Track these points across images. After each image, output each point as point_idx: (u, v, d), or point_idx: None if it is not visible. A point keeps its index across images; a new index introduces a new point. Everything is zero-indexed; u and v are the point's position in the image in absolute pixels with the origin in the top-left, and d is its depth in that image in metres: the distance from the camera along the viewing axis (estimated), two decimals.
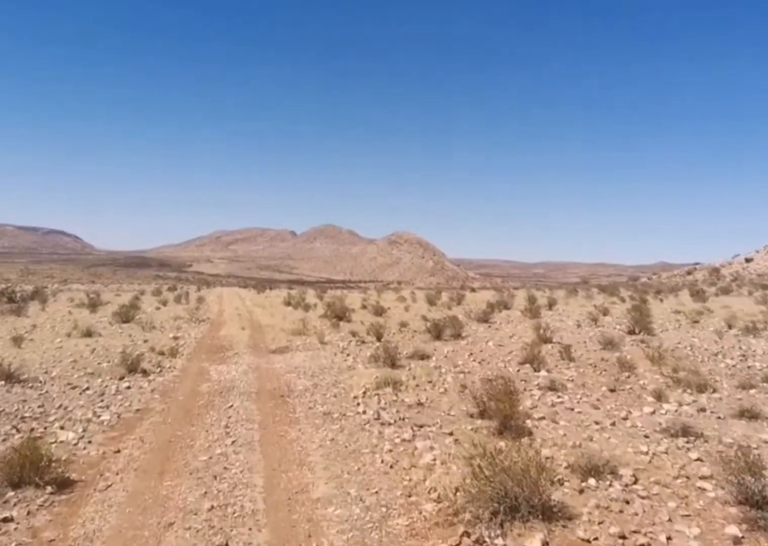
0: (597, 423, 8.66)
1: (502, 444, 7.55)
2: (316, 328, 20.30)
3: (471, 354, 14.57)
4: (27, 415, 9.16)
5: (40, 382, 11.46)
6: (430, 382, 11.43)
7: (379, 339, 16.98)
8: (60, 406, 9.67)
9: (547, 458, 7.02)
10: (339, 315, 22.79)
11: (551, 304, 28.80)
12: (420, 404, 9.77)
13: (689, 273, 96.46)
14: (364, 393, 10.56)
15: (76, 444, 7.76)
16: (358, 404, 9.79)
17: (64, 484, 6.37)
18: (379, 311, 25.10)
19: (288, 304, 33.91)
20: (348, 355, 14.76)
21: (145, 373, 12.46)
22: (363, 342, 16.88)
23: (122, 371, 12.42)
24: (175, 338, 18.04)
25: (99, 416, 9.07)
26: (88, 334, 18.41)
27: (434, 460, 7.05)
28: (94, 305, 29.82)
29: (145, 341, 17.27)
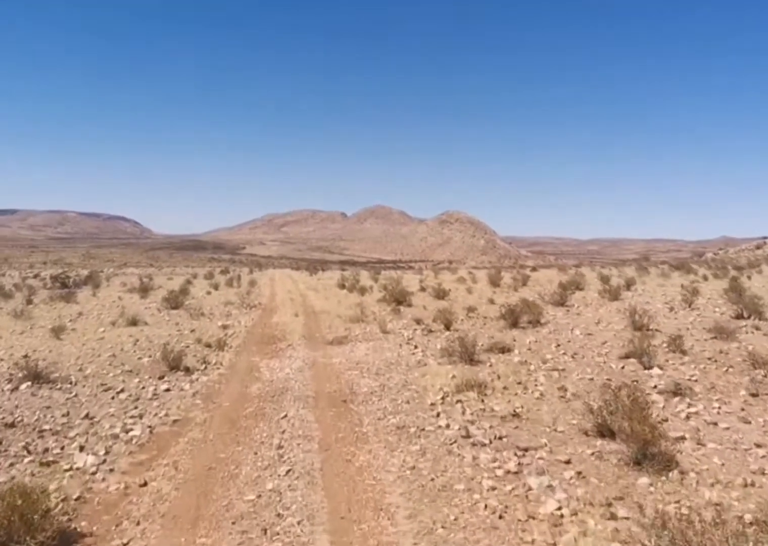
0: (758, 445, 6.58)
1: (645, 481, 5.60)
2: (376, 315, 18.55)
3: (558, 345, 12.51)
4: (47, 427, 7.69)
5: (71, 382, 10.04)
6: (519, 383, 9.48)
7: (447, 327, 15.08)
8: (86, 415, 8.16)
9: (714, 506, 5.05)
10: (399, 299, 20.97)
11: (629, 284, 26.24)
12: (515, 415, 7.84)
13: (758, 247, 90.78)
14: (443, 398, 8.71)
15: (94, 473, 6.17)
16: (438, 415, 7.95)
17: (66, 541, 4.77)
18: (441, 294, 23.15)
19: (342, 286, 32.31)
20: (415, 347, 12.91)
21: (187, 370, 10.92)
22: (430, 331, 14.99)
23: (163, 369, 10.93)
24: (224, 327, 16.57)
25: (128, 431, 7.50)
26: (134, 322, 17.15)
27: (559, 508, 5.14)
28: (144, 290, 28.88)
29: (192, 331, 15.86)
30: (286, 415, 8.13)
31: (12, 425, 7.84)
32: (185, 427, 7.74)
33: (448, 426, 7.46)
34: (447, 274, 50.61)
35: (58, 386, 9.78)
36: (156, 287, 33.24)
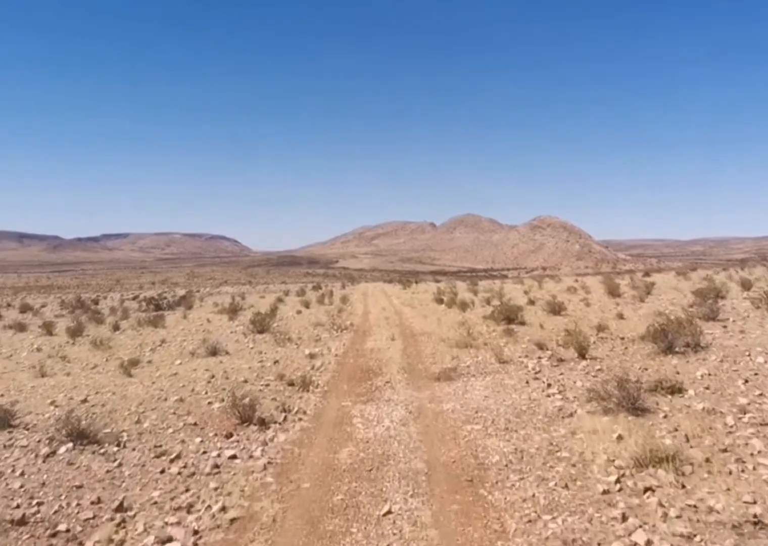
0: None
1: None
2: (485, 337, 15.74)
3: (746, 381, 9.21)
4: (63, 527, 5.53)
5: (119, 443, 7.94)
6: (724, 450, 6.42)
7: (582, 355, 12.03)
8: (121, 503, 5.95)
9: None
10: (509, 316, 18.03)
11: None
12: (757, 523, 4.87)
13: None
14: (619, 480, 5.82)
15: None
16: (624, 517, 5.09)
17: None
18: (556, 308, 19.97)
19: (440, 301, 29.62)
20: (548, 385, 9.98)
21: (263, 424, 8.59)
22: (560, 360, 11.97)
23: (233, 420, 8.68)
24: (311, 356, 14.29)
25: (166, 541, 5.18)
26: (214, 352, 15.25)
27: None
28: (234, 311, 27.46)
29: (276, 362, 13.67)
30: (389, 512, 5.53)
31: (22, 522, 5.73)
32: (245, 534, 5.31)
33: (649, 544, 4.62)
34: (550, 282, 46.76)
35: (103, 449, 7.69)
36: (247, 307, 31.91)
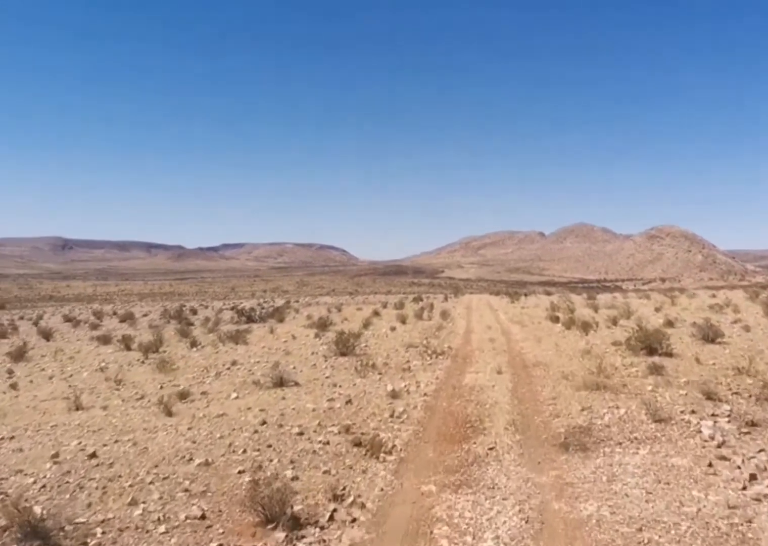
0: None
1: None
2: (621, 373, 12.00)
3: None
4: None
5: None
6: None
7: None
8: None
9: None
10: (650, 344, 14.06)
11: None
12: None
13: None
14: None
15: None
16: None
17: None
18: (709, 334, 15.66)
19: (554, 318, 25.58)
20: (751, 475, 6.25)
21: (296, 525, 5.59)
22: (752, 424, 8.05)
23: (258, 516, 5.75)
24: (393, 396, 11.15)
25: None
26: (281, 382, 12.57)
27: None
28: (323, 326, 24.99)
29: (348, 402, 10.68)
30: None
31: None
32: None
33: None
34: (681, 297, 40.94)
35: None
36: (339, 321, 29.47)
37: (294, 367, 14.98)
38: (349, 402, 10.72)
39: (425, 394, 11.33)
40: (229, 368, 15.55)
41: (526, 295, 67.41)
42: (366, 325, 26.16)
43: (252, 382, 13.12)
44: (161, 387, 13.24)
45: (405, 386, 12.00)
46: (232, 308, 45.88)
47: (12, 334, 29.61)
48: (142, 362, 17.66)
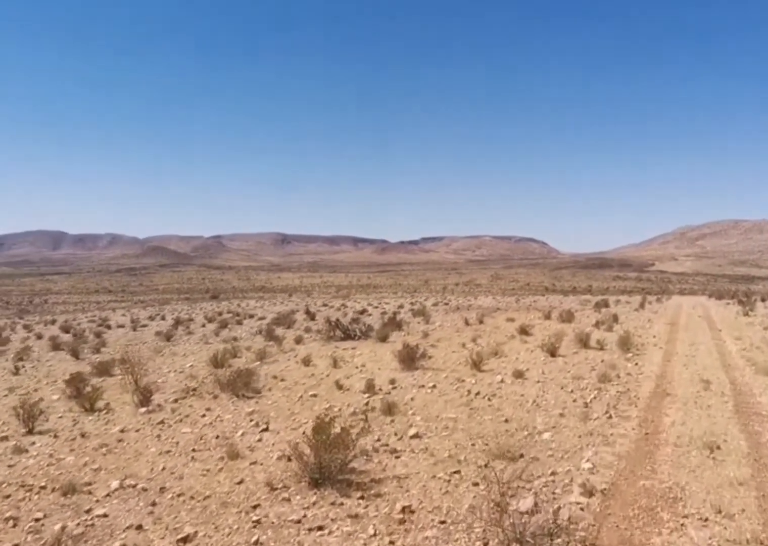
0: None
1: None
2: None
3: None
4: None
5: None
6: None
7: None
8: None
9: None
10: None
11: None
12: None
13: None
14: None
15: None
16: None
17: None
18: None
19: None
20: None
21: None
22: None
23: None
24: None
25: None
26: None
27: None
28: (412, 359, 15.22)
29: None
30: None
31: None
32: None
33: None
34: None
35: None
36: (469, 343, 19.39)
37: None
38: None
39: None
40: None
41: (764, 299, 49.85)
42: (493, 355, 16.06)
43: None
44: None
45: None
46: (360, 312, 37.65)
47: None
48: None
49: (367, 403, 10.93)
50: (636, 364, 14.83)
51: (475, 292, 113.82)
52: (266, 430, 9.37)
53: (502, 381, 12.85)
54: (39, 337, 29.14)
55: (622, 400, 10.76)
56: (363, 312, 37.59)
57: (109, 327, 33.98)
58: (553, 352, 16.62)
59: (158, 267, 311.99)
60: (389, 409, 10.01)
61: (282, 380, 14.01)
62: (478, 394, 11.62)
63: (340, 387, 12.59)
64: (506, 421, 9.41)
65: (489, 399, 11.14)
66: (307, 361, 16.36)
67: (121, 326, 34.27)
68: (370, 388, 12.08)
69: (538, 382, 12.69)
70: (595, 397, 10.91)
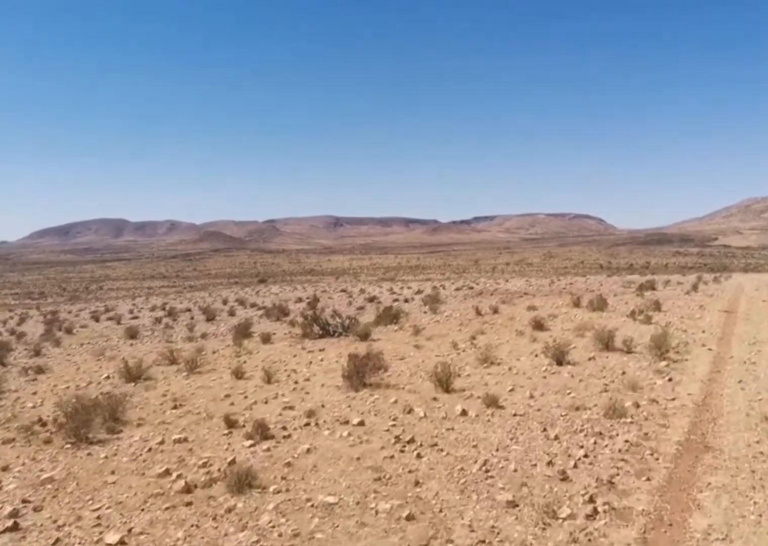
0: None
1: None
2: None
3: None
4: None
5: None
6: None
7: None
8: None
9: None
10: None
11: None
12: None
13: None
14: None
15: None
16: None
17: None
18: None
19: None
20: None
21: None
22: None
23: None
24: None
25: None
26: None
27: None
28: (444, 382, 11.33)
29: None
30: None
31: None
32: None
33: None
34: None
35: None
36: (466, 350, 15.31)
37: None
38: None
39: None
40: None
41: None
42: (482, 362, 11.95)
43: None
44: None
45: None
46: (371, 299, 33.60)
47: None
48: None
49: (231, 462, 7.10)
50: (669, 379, 10.39)
51: (527, 272, 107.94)
52: None
53: (462, 413, 8.76)
54: None
55: (629, 463, 6.53)
56: (373, 299, 33.62)
57: (97, 320, 31.35)
58: (559, 359, 12.36)
59: (212, 252, 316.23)
60: (241, 482, 6.17)
61: (180, 406, 10.36)
62: (411, 441, 7.60)
63: (230, 424, 8.79)
64: (408, 518, 5.39)
65: (419, 455, 7.09)
66: (239, 374, 12.66)
67: (110, 320, 31.52)
68: (261, 429, 8.20)
69: (515, 415, 8.54)
70: (585, 456, 6.72)
